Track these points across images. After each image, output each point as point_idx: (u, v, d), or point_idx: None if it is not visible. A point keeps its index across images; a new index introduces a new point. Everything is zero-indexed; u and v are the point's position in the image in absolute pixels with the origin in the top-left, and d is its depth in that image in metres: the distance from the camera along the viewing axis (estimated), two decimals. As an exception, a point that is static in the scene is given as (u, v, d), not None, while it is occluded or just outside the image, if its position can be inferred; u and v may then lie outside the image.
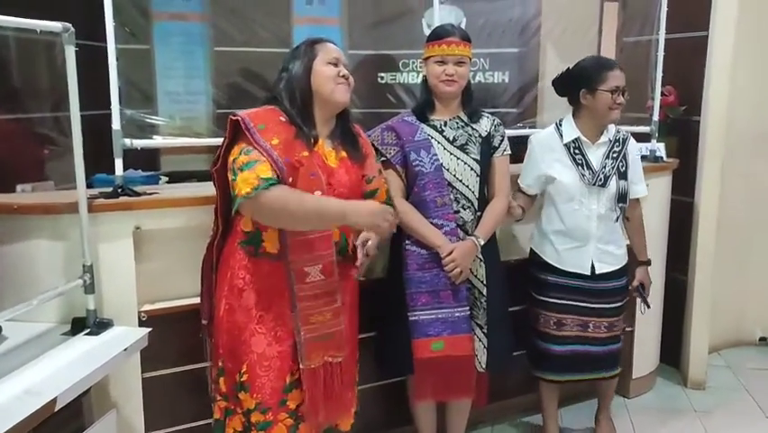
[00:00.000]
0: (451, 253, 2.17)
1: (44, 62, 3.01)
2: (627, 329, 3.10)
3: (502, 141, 2.35)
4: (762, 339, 3.88)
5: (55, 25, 1.73)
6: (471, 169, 2.25)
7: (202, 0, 4.14)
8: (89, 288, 1.90)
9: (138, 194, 2.07)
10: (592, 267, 2.46)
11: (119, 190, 2.05)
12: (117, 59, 2.09)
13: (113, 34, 2.05)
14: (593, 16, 4.27)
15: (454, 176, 2.24)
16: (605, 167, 2.42)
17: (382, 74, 4.51)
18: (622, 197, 2.44)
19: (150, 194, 2.10)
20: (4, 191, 2.97)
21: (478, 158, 2.27)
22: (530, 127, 3.35)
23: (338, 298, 1.89)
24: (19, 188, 3.19)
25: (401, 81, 4.47)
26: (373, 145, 2.23)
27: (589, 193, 2.42)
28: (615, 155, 2.45)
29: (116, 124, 2.07)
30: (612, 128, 2.49)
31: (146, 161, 3.57)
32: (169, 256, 2.14)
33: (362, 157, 2.00)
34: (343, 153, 1.94)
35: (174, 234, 2.12)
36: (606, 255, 2.48)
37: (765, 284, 3.78)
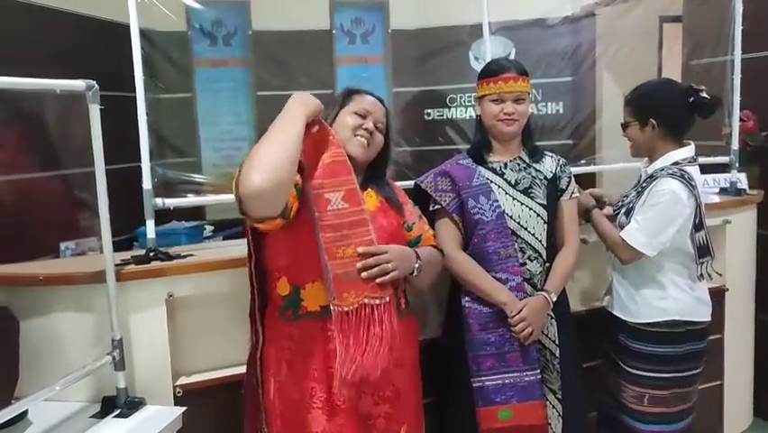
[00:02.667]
0: (520, 311, 1.93)
1: (83, 117, 2.96)
2: (715, 383, 2.80)
3: (569, 182, 2.11)
4: None
5: (78, 84, 1.59)
6: (538, 215, 2.02)
7: (243, 45, 4.07)
8: (119, 364, 1.73)
9: (171, 257, 1.91)
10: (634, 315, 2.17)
11: (151, 254, 1.89)
12: (147, 114, 1.95)
13: (142, 88, 1.92)
14: (652, 38, 4.02)
15: (519, 223, 2.00)
16: (627, 196, 2.22)
17: (429, 110, 4.36)
18: None
19: (185, 256, 1.94)
20: (48, 251, 2.88)
21: (544, 202, 2.03)
22: (592, 164, 3.10)
23: (369, 229, 1.62)
24: (63, 245, 3.11)
25: (449, 117, 4.30)
26: (426, 192, 2.06)
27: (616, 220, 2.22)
28: (639, 190, 2.17)
29: (147, 183, 1.93)
30: (660, 163, 2.13)
31: (191, 210, 3.46)
32: (205, 324, 1.97)
33: (400, 203, 1.85)
34: (382, 198, 1.80)
35: (210, 300, 1.95)
36: (617, 299, 2.21)
37: None
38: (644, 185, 2.15)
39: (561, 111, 4.23)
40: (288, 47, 4.05)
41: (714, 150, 2.93)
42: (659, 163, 2.15)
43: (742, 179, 2.88)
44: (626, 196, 2.22)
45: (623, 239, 2.08)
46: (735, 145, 2.84)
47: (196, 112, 4.04)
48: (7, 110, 2.74)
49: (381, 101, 1.84)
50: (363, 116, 1.76)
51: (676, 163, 2.10)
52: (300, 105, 1.57)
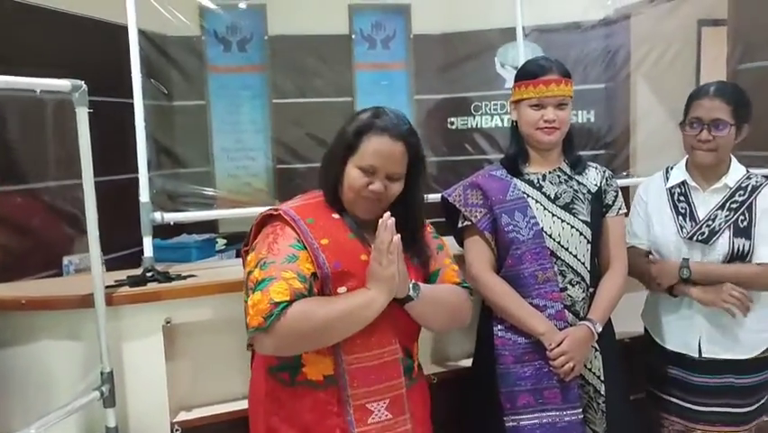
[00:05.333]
0: (560, 343, 1.71)
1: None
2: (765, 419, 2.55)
3: (617, 197, 1.89)
4: None
5: (62, 84, 1.41)
6: (581, 233, 1.80)
7: (259, 50, 3.93)
8: (108, 400, 1.54)
9: (170, 278, 1.72)
10: (699, 348, 1.91)
11: (148, 275, 1.70)
12: (146, 121, 1.77)
13: (140, 93, 1.74)
14: (690, 43, 3.80)
15: (559, 243, 1.78)
16: (714, 218, 1.88)
17: (452, 119, 4.17)
18: (737, 258, 1.86)
19: (185, 277, 1.74)
20: (52, 266, 2.75)
21: (588, 219, 1.81)
22: (632, 176, 2.87)
23: None
24: (66, 260, 2.95)
25: (473, 126, 4.11)
26: (455, 207, 1.83)
27: (690, 250, 1.89)
28: (734, 206, 1.88)
29: (144, 196, 1.74)
30: (738, 171, 1.93)
31: (203, 221, 3.29)
32: (208, 353, 1.77)
33: (428, 258, 1.58)
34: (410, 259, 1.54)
35: (214, 327, 1.75)
36: (720, 335, 1.89)
37: None
38: (738, 199, 1.89)
39: (592, 119, 4.02)
40: (305, 52, 3.89)
41: (766, 161, 2.69)
42: (736, 173, 1.91)
43: (798, 194, 2.63)
44: (711, 219, 1.89)
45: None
46: (792, 156, 2.60)
47: (210, 120, 3.90)
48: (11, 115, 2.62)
49: (404, 136, 1.46)
50: (370, 173, 1.45)
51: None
52: (387, 296, 1.40)
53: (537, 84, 1.77)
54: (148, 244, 1.74)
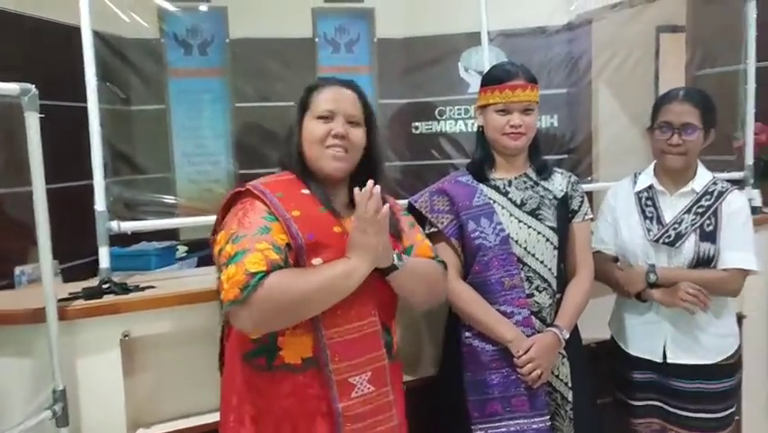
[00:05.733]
0: (527, 350, 1.69)
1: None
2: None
3: (582, 203, 1.89)
4: None
5: (11, 88, 1.34)
6: (547, 239, 1.79)
7: (220, 54, 3.84)
8: (61, 420, 1.47)
9: (127, 290, 1.65)
10: (664, 354, 1.92)
11: (104, 287, 1.63)
12: (102, 126, 1.70)
13: (95, 97, 1.67)
14: (649, 49, 3.85)
15: (525, 249, 1.77)
16: (680, 222, 1.91)
17: (417, 123, 4.14)
18: (703, 263, 1.88)
19: (144, 288, 1.68)
20: (1, 276, 2.65)
21: (554, 225, 1.81)
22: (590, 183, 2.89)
23: (394, 414, 1.45)
24: (17, 270, 2.84)
25: (438, 130, 4.09)
26: (421, 214, 1.82)
27: (657, 254, 1.91)
28: (701, 210, 1.90)
29: (100, 204, 1.68)
30: (704, 176, 1.96)
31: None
32: (169, 367, 1.71)
33: (399, 230, 1.57)
34: None
35: (175, 340, 1.69)
36: (684, 341, 1.91)
37: None
38: (704, 204, 1.91)
39: (555, 124, 4.04)
40: (267, 56, 3.82)
41: (727, 165, 2.74)
42: (702, 178, 1.94)
43: (757, 197, 2.68)
44: (678, 223, 1.91)
45: (740, 270, 1.87)
46: (749, 160, 2.64)
47: (170, 124, 3.80)
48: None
49: (351, 84, 1.52)
50: (328, 118, 1.46)
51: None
52: (369, 265, 1.38)
53: (503, 89, 1.76)
54: (104, 255, 1.67)
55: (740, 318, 2.44)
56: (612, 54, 3.64)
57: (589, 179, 3.46)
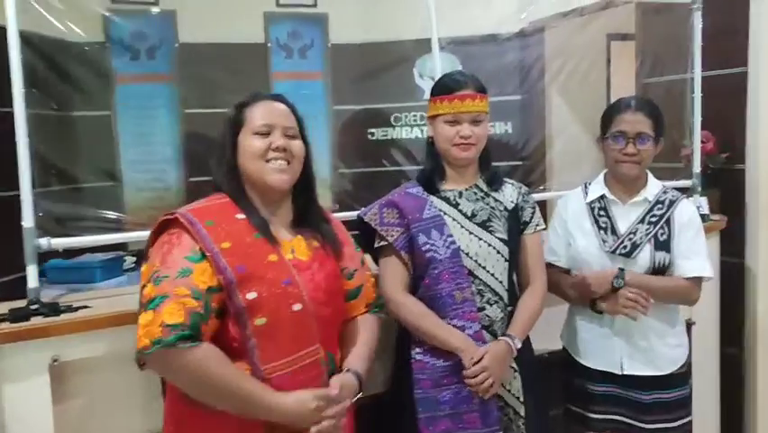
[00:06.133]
0: (480, 359, 1.66)
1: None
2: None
3: (534, 213, 1.87)
4: (827, 415, 3.33)
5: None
6: (498, 252, 1.76)
7: (168, 59, 3.73)
8: (-16, 453, 1.37)
9: (58, 311, 1.56)
10: (621, 365, 1.92)
11: (32, 308, 1.53)
12: (33, 133, 1.61)
13: (22, 104, 1.57)
14: (600, 57, 3.89)
15: (476, 262, 1.74)
16: (635, 232, 1.90)
17: (372, 130, 4.10)
18: (658, 272, 1.88)
19: (77, 309, 1.59)
20: None
21: (505, 237, 1.78)
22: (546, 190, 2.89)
23: None
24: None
25: (394, 137, 4.06)
26: (370, 226, 1.78)
27: (613, 264, 1.90)
28: (654, 219, 1.91)
29: (28, 220, 1.57)
30: (655, 185, 1.97)
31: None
32: (103, 392, 1.62)
33: (339, 245, 1.55)
34: (315, 242, 1.50)
35: (109, 362, 1.60)
36: (640, 352, 1.91)
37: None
38: (657, 213, 1.91)
39: (509, 131, 4.05)
40: (218, 61, 3.72)
41: (673, 173, 2.77)
42: (653, 187, 1.95)
43: (704, 204, 2.72)
44: (633, 233, 1.90)
45: (697, 277, 1.88)
46: (697, 168, 2.68)
47: (116, 132, 3.67)
48: None
49: (281, 98, 1.52)
50: (266, 134, 1.43)
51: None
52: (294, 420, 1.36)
53: (452, 99, 1.73)
54: (32, 274, 1.57)
55: (689, 325, 2.47)
56: (564, 61, 3.67)
57: (542, 187, 3.47)
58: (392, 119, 4.11)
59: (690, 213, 1.94)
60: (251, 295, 1.32)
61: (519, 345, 1.74)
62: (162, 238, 1.36)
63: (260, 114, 1.45)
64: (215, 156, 1.48)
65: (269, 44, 3.97)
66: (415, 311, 1.73)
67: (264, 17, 3.94)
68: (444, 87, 1.76)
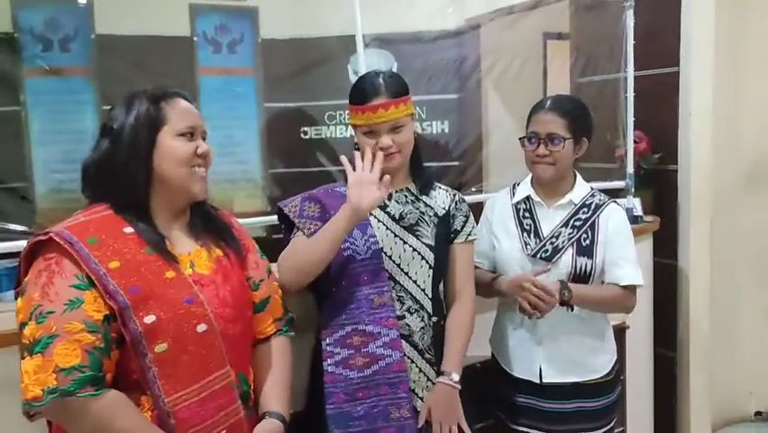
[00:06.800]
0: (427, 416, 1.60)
1: None
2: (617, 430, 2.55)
3: (466, 222, 1.76)
4: (758, 414, 3.37)
5: None
6: (422, 257, 1.65)
7: (84, 51, 3.49)
8: None
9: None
10: (540, 373, 1.84)
11: None
12: None
13: None
14: (537, 55, 3.85)
15: (398, 266, 1.63)
16: (557, 236, 1.83)
17: (306, 128, 3.95)
18: (580, 278, 1.81)
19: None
20: None
21: (431, 243, 1.67)
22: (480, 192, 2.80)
23: None
24: None
25: (328, 135, 3.92)
26: (288, 218, 1.66)
27: (534, 268, 1.82)
28: (578, 223, 1.83)
29: None
30: (582, 188, 1.88)
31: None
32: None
33: (242, 251, 1.42)
34: (218, 251, 1.35)
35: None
36: (560, 359, 1.84)
37: (757, 352, 3.29)
38: (582, 217, 1.82)
39: (446, 130, 3.96)
40: (139, 54, 3.50)
41: (607, 173, 2.72)
42: (580, 190, 1.86)
43: (637, 206, 2.68)
44: (555, 236, 1.83)
45: (630, 286, 1.79)
46: (630, 169, 2.63)
47: (27, 129, 3.42)
48: None
49: (187, 95, 1.38)
50: (191, 135, 1.30)
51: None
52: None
53: (365, 111, 1.60)
54: None
55: (623, 329, 2.42)
56: (500, 60, 3.61)
57: (475, 188, 3.39)
58: (326, 117, 3.97)
59: (617, 219, 1.85)
60: (150, 318, 1.18)
61: (458, 378, 1.65)
62: (38, 265, 1.19)
63: (182, 113, 1.30)
64: (99, 150, 1.29)
65: (195, 38, 3.76)
66: (299, 244, 1.59)
67: (190, 9, 3.73)
68: (357, 96, 1.64)
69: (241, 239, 1.45)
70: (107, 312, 1.17)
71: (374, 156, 1.56)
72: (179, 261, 1.28)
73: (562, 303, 1.74)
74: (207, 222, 1.39)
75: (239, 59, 3.86)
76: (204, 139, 1.35)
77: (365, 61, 3.33)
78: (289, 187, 3.70)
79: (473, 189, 2.84)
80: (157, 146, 1.27)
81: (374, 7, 2.56)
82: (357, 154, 1.58)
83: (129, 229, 1.25)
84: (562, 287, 1.73)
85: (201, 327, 1.24)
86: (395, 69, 3.57)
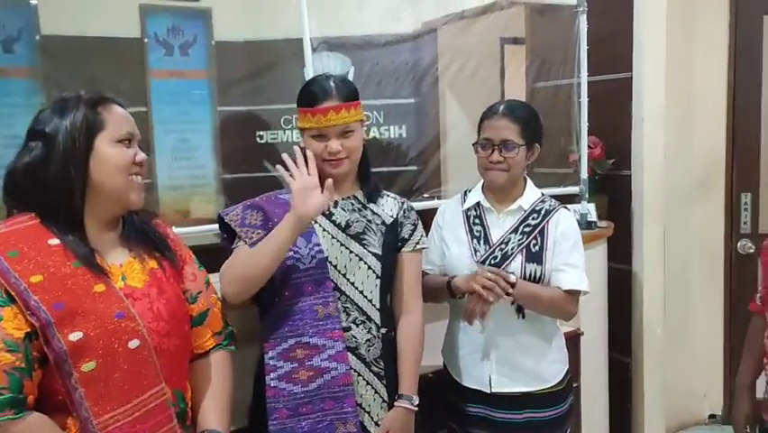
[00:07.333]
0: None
1: None
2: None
3: (414, 230, 1.71)
4: (711, 417, 3.40)
5: None
6: (369, 267, 1.61)
7: (29, 52, 3.36)
8: None
9: None
10: (490, 382, 1.81)
11: None
12: None
13: None
14: (494, 60, 3.85)
15: (344, 276, 1.59)
16: (507, 242, 1.80)
17: (261, 132, 3.87)
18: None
19: None
20: None
21: (378, 252, 1.63)
22: (437, 198, 2.78)
23: None
24: None
25: (284, 140, 3.84)
26: (229, 227, 1.60)
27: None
28: (527, 229, 1.80)
29: None
30: (532, 193, 1.86)
31: None
32: None
33: (176, 261, 1.35)
34: (152, 263, 1.29)
35: None
36: (510, 368, 1.80)
37: (711, 355, 3.32)
38: (531, 223, 1.79)
39: (404, 135, 3.93)
40: (88, 56, 3.39)
41: (562, 179, 2.72)
42: (530, 195, 1.84)
43: (592, 211, 2.68)
44: (504, 243, 1.80)
45: (574, 291, 1.76)
46: (584, 174, 2.63)
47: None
48: None
49: (119, 100, 1.32)
50: (129, 142, 1.25)
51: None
52: None
53: (315, 113, 1.55)
54: None
55: (577, 336, 2.41)
56: (458, 64, 3.59)
57: (434, 192, 3.37)
58: (282, 122, 3.90)
59: (566, 224, 1.82)
60: (76, 335, 1.11)
61: (417, 400, 1.62)
62: None
63: (120, 119, 1.25)
64: (27, 156, 1.21)
65: (145, 39, 3.66)
66: (242, 254, 1.54)
67: (140, 10, 3.63)
68: (307, 98, 1.59)
69: (177, 250, 1.38)
70: (29, 330, 1.11)
71: (308, 160, 1.52)
72: (110, 273, 1.22)
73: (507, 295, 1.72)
74: (141, 232, 1.32)
75: (192, 62, 3.77)
76: (140, 147, 1.30)
77: (322, 65, 3.28)
78: (245, 192, 3.61)
79: (425, 196, 2.79)
80: (94, 153, 1.21)
81: (328, 10, 2.50)
82: (298, 151, 1.53)
83: (54, 241, 1.18)
84: (509, 272, 1.73)
85: (133, 343, 1.17)
86: (351, 73, 3.53)
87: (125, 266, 1.25)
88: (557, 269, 1.78)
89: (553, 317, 1.82)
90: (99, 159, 1.21)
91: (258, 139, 3.86)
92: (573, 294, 1.78)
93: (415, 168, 3.71)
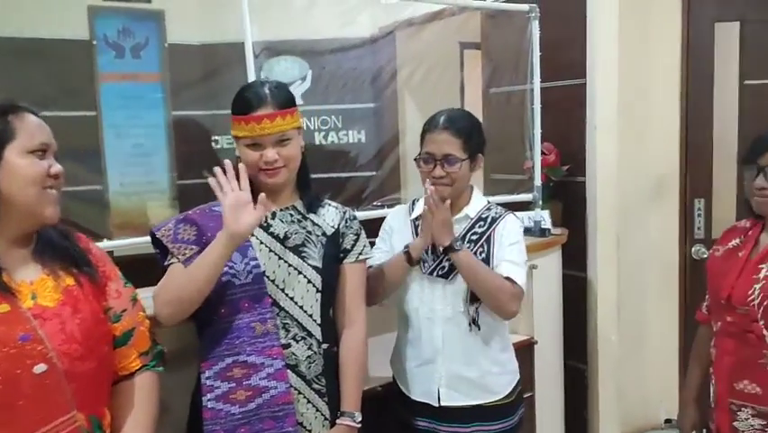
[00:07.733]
0: None
1: None
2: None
3: (357, 241, 1.67)
4: (667, 421, 3.42)
5: None
6: (309, 281, 1.56)
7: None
8: None
9: None
10: (439, 396, 1.78)
11: None
12: None
13: None
14: (454, 65, 3.83)
15: (282, 291, 1.53)
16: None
17: (217, 137, 3.79)
18: (475, 295, 1.74)
19: None
20: None
21: (318, 265, 1.57)
22: (392, 205, 2.73)
23: None
24: None
25: (240, 145, 3.77)
26: (161, 244, 1.53)
27: (431, 286, 1.77)
28: (474, 237, 1.78)
29: None
30: (478, 202, 1.84)
31: None
32: None
33: (100, 278, 1.29)
34: (69, 280, 1.22)
35: None
36: (459, 381, 1.77)
37: (666, 361, 3.34)
38: (478, 231, 1.76)
39: (363, 140, 3.88)
40: (33, 58, 3.28)
41: (517, 186, 2.70)
42: (476, 204, 1.81)
43: (546, 218, 2.66)
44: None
45: (514, 282, 1.70)
46: (538, 181, 2.62)
47: None
48: None
49: (32, 109, 1.25)
50: (42, 153, 1.19)
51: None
52: None
53: (249, 121, 1.50)
54: None
55: (531, 344, 2.39)
56: (417, 69, 3.57)
57: (393, 197, 3.33)
58: (238, 126, 3.82)
59: (510, 228, 1.80)
60: None
61: (360, 418, 1.58)
62: None
63: (33, 129, 1.19)
64: None
65: (94, 42, 3.55)
66: (175, 274, 1.48)
67: (89, 11, 3.52)
68: (241, 105, 1.53)
69: (100, 265, 1.31)
70: None
71: (240, 173, 1.46)
72: (18, 292, 1.15)
73: (447, 250, 1.70)
74: (58, 247, 1.25)
75: (144, 65, 3.67)
76: (56, 158, 1.23)
77: (279, 68, 3.22)
78: (201, 198, 3.54)
79: (377, 204, 2.75)
80: (2, 163, 1.15)
81: (277, 14, 2.44)
82: (228, 164, 1.47)
83: None
84: (455, 239, 1.71)
85: (39, 368, 1.11)
86: (308, 79, 3.48)
87: (36, 284, 1.18)
88: (497, 265, 1.75)
89: (493, 304, 1.72)
90: (9, 170, 1.15)
91: (213, 144, 3.79)
92: (514, 287, 1.72)
93: (374, 173, 3.68)
